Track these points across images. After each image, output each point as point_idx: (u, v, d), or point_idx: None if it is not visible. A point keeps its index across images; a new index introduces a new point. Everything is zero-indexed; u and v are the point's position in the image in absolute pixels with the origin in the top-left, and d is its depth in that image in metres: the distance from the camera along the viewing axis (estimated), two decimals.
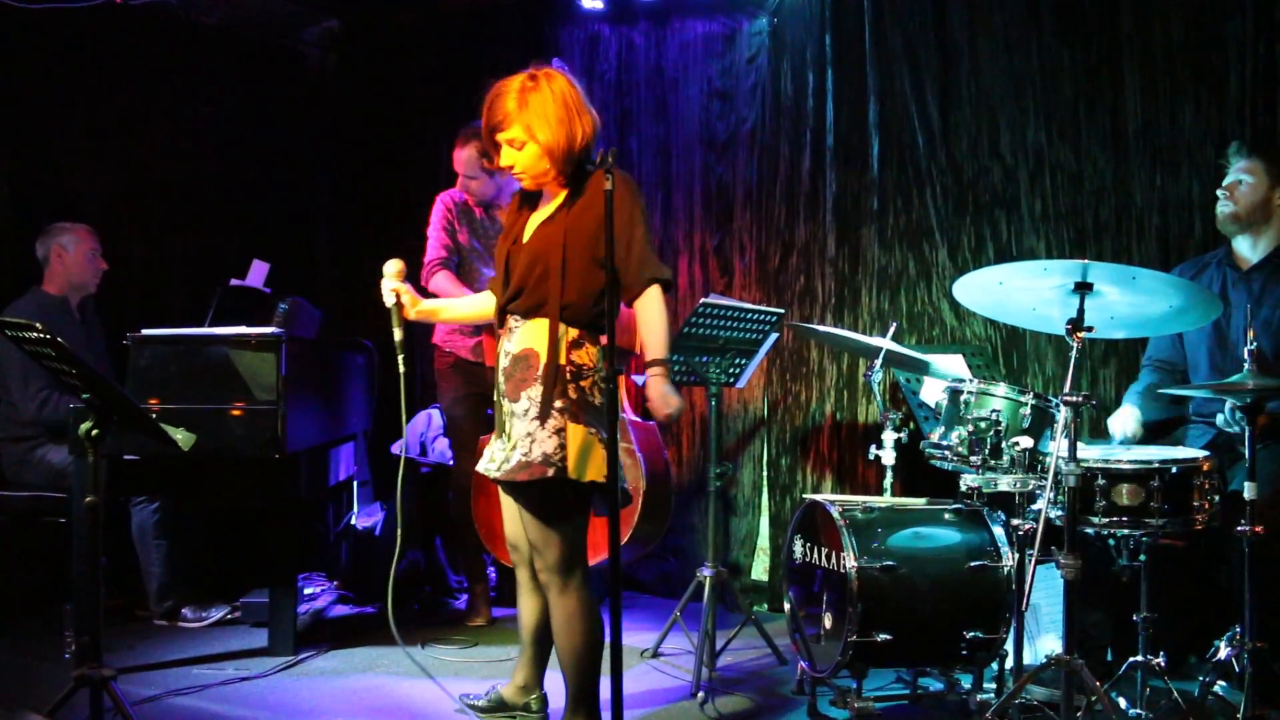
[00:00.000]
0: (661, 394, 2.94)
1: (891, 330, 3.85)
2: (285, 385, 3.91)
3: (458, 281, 4.38)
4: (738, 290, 5.02)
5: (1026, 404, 3.29)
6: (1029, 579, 2.89)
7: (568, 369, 2.90)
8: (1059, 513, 3.02)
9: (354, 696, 3.66)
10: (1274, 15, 3.98)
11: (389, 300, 3.13)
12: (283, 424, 3.89)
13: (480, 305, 3.28)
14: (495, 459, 2.99)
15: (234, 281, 4.96)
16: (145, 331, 3.98)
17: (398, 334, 3.12)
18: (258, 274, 5.00)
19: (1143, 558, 3.19)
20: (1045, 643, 3.61)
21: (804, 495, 4.31)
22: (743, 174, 5.05)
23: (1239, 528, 2.99)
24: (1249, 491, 2.99)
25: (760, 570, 5.00)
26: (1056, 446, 2.90)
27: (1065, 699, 2.86)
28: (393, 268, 3.13)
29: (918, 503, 3.53)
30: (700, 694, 3.64)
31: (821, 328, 4.33)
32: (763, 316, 4.07)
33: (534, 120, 2.91)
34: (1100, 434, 4.23)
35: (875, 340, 3.79)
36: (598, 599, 3.05)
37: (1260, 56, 4.00)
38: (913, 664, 3.52)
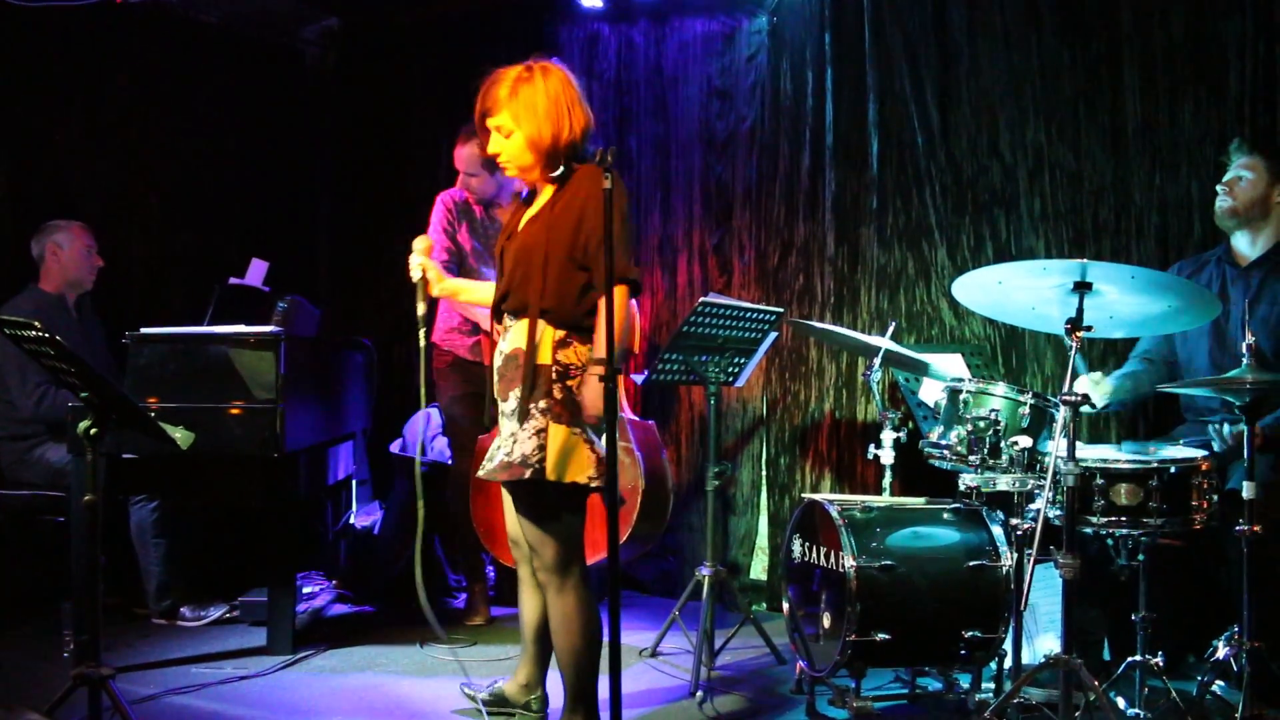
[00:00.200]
0: (598, 394, 2.82)
1: (891, 329, 3.85)
2: (284, 384, 3.91)
3: (460, 281, 4.37)
4: (737, 289, 5.02)
5: (1025, 403, 3.29)
6: (1027, 578, 2.89)
7: (553, 369, 2.91)
8: (1058, 512, 3.02)
9: (352, 695, 3.66)
10: (1274, 15, 3.98)
11: (415, 275, 3.18)
12: (281, 423, 3.89)
13: None
14: (490, 457, 3.01)
15: (233, 280, 4.96)
16: (144, 330, 3.98)
17: (420, 308, 3.19)
18: (257, 273, 5.00)
19: (1141, 557, 3.19)
20: (1044, 642, 3.61)
21: (803, 494, 4.30)
22: (742, 173, 5.05)
23: (1237, 527, 2.99)
24: (1247, 491, 2.99)
25: (759, 569, 5.00)
26: (1055, 446, 2.90)
27: (1064, 698, 2.86)
28: (421, 244, 3.21)
29: (916, 502, 3.53)
30: (699, 693, 3.64)
31: (820, 324, 4.33)
32: (762, 315, 4.07)
33: (521, 111, 2.93)
34: (1100, 435, 4.24)
35: (874, 339, 3.79)
36: (597, 598, 3.05)
37: (1260, 56, 4.00)
38: (911, 663, 3.52)
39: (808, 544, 3.50)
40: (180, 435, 3.24)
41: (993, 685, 3.41)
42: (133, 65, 5.27)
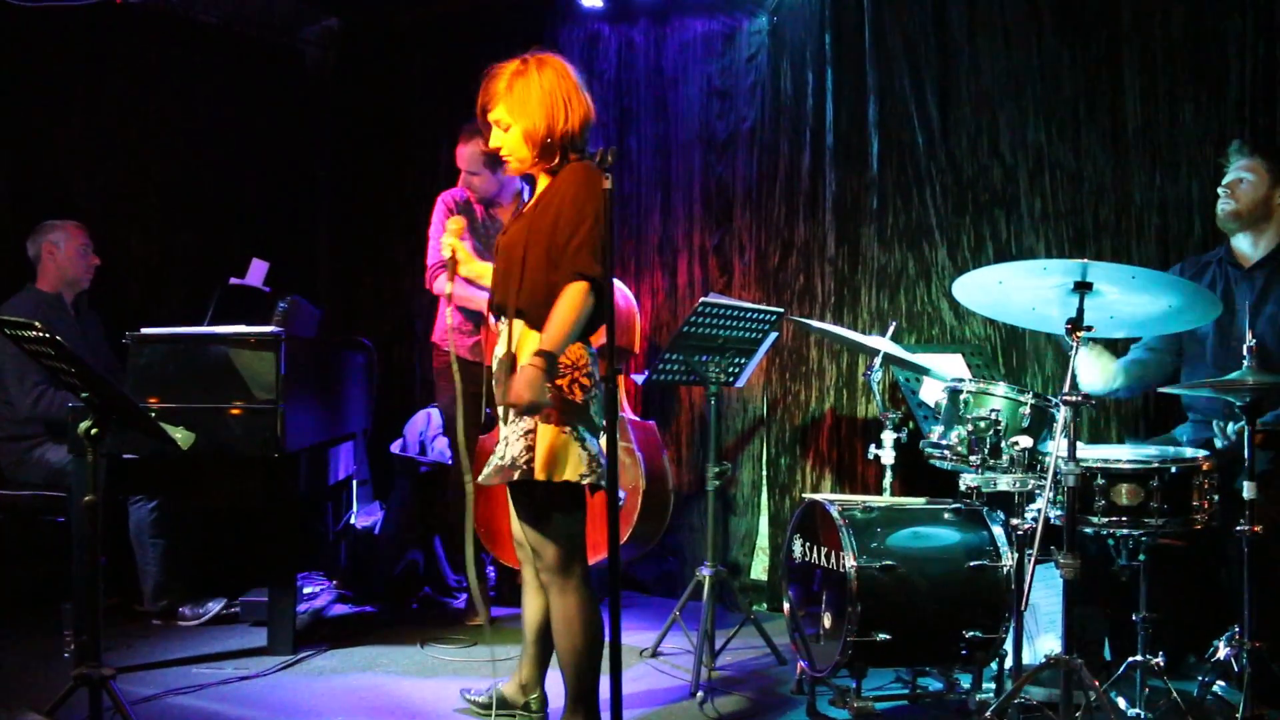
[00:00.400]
0: (526, 381, 2.78)
1: (891, 329, 3.85)
2: (284, 384, 3.90)
3: (462, 280, 4.37)
4: (737, 289, 5.02)
5: (1026, 403, 3.29)
6: (1028, 579, 2.88)
7: None
8: (1058, 512, 3.01)
9: (353, 695, 3.66)
10: (1274, 15, 3.98)
11: (445, 254, 3.26)
12: (282, 423, 3.89)
13: None
14: (489, 463, 3.01)
15: (233, 280, 4.96)
16: (145, 330, 3.98)
17: (449, 287, 3.24)
18: (257, 273, 4.99)
19: (1142, 557, 3.19)
20: (1044, 642, 3.61)
21: (803, 495, 4.30)
22: (742, 173, 5.05)
23: (1238, 527, 2.99)
24: (1248, 491, 2.99)
25: (759, 570, 5.00)
26: (1056, 446, 2.90)
27: (1064, 699, 2.86)
28: (455, 224, 3.31)
29: (917, 502, 3.52)
30: (699, 693, 3.64)
31: (820, 325, 4.33)
32: (762, 316, 4.07)
33: (516, 104, 2.95)
34: (1100, 435, 4.24)
35: (874, 340, 3.79)
36: (597, 599, 3.05)
37: (1260, 56, 4.00)
38: (912, 664, 3.52)
39: (808, 544, 3.50)
40: (181, 435, 3.24)
41: (993, 685, 3.41)
42: (133, 65, 5.27)
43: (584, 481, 2.88)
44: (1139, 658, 3.19)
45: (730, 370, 4.14)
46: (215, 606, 4.48)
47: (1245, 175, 3.64)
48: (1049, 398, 3.32)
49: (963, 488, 3.45)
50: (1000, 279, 3.06)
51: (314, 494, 4.83)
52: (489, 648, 3.93)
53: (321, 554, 5.13)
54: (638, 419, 4.63)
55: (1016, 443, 3.26)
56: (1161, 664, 3.18)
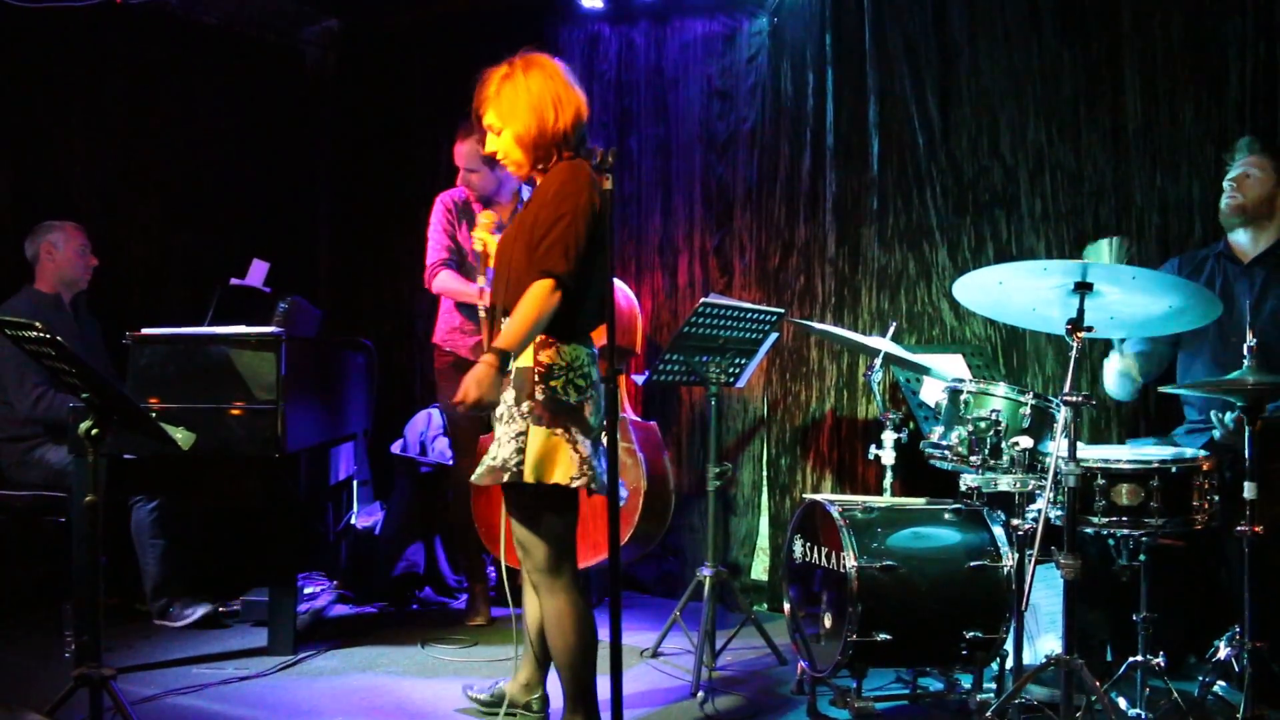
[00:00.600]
0: (475, 378, 2.78)
1: (891, 330, 3.85)
2: (285, 385, 3.90)
3: (462, 279, 4.39)
4: (738, 290, 5.02)
5: (1026, 404, 3.29)
6: (1029, 579, 2.88)
7: (535, 370, 2.90)
8: (1059, 513, 3.01)
9: (353, 696, 3.66)
10: (1274, 15, 3.98)
11: (478, 247, 3.48)
12: (282, 423, 3.89)
13: None
14: (482, 461, 3.02)
15: (234, 281, 4.96)
16: (145, 331, 3.98)
17: (480, 280, 3.40)
18: (257, 273, 5.00)
19: (1142, 558, 3.19)
20: (1045, 643, 3.61)
21: (804, 495, 4.30)
22: (743, 173, 5.05)
23: (1239, 527, 2.99)
24: (1249, 491, 2.99)
25: (760, 570, 5.00)
26: (1056, 446, 2.90)
27: (1065, 699, 2.86)
28: (487, 219, 3.49)
29: (917, 503, 3.53)
30: (700, 694, 3.64)
31: (821, 325, 4.33)
32: (762, 316, 4.07)
33: (505, 109, 2.97)
34: (1100, 436, 4.24)
35: (875, 340, 3.79)
36: (597, 599, 3.05)
37: (1260, 56, 3.99)
38: (912, 664, 3.52)
39: (809, 544, 3.50)
40: (181, 436, 3.23)
41: (994, 686, 3.41)
42: (133, 66, 5.27)
43: (574, 484, 2.87)
44: (1140, 658, 3.19)
45: (731, 371, 4.14)
46: (201, 610, 4.45)
47: (1253, 171, 3.65)
48: (1049, 398, 3.32)
49: (963, 488, 3.46)
50: (1001, 280, 3.07)
51: (314, 494, 4.83)
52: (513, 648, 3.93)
53: (322, 554, 5.14)
54: (639, 419, 4.63)
55: (1017, 443, 3.26)
56: (1162, 664, 3.18)
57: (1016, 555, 3.29)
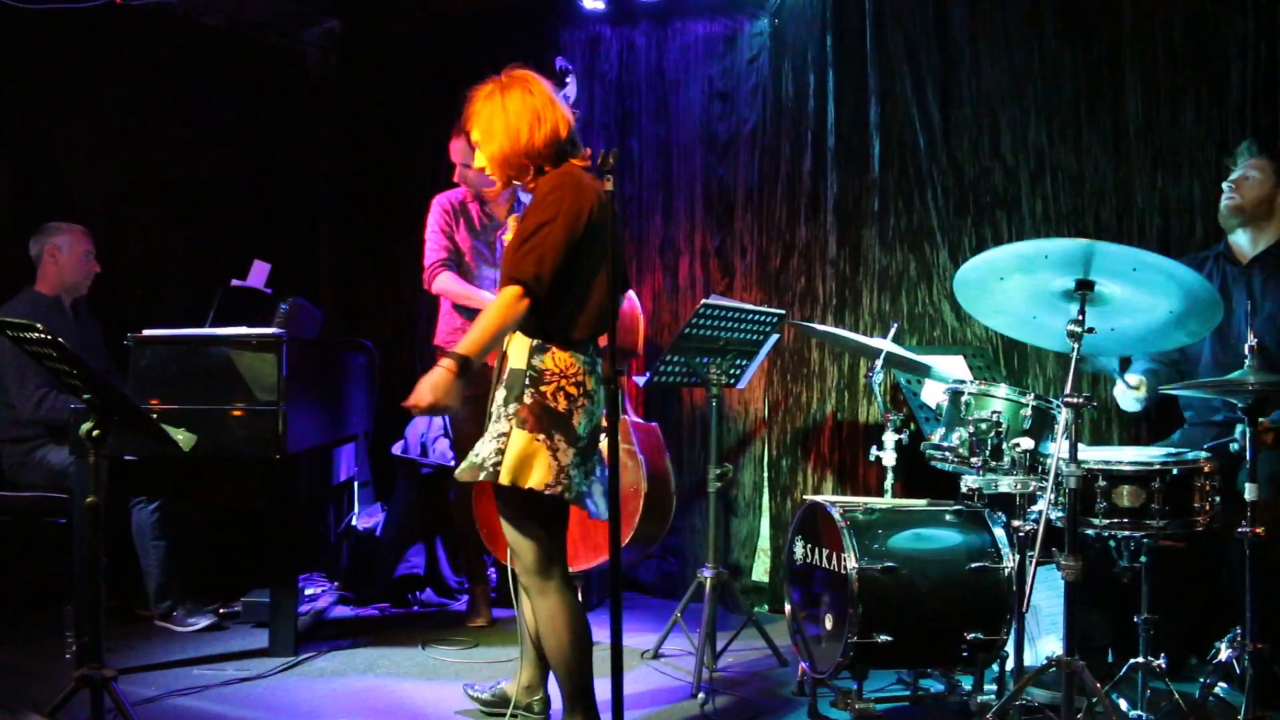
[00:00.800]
0: (430, 382, 2.79)
1: (892, 331, 3.85)
2: (286, 386, 3.91)
3: (462, 281, 4.38)
4: (738, 291, 5.02)
5: (1027, 405, 3.29)
6: (1030, 580, 2.88)
7: (526, 374, 2.92)
8: (1060, 514, 3.01)
9: (354, 697, 3.66)
10: (1274, 15, 3.98)
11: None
12: (283, 424, 3.89)
13: None
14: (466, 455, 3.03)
15: (235, 282, 4.96)
16: (146, 332, 3.98)
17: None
18: (258, 274, 5.00)
19: (1143, 559, 3.19)
20: (1046, 644, 3.61)
21: (805, 496, 4.30)
22: (744, 175, 5.05)
23: (1240, 529, 2.99)
24: (1249, 492, 2.98)
25: (761, 571, 5.00)
26: (1057, 448, 2.89)
27: (1066, 700, 2.86)
28: (515, 223, 3.40)
29: (918, 504, 3.52)
30: (701, 695, 3.64)
31: (822, 326, 4.33)
32: (763, 317, 4.07)
33: (483, 128, 3.02)
34: (1101, 437, 4.24)
35: (876, 341, 3.79)
36: (598, 600, 3.05)
37: (1261, 57, 4.00)
38: (913, 665, 3.52)
39: (810, 545, 3.50)
40: (182, 437, 3.23)
41: (995, 687, 3.41)
42: (134, 67, 5.27)
43: (547, 492, 2.86)
44: (1141, 659, 3.18)
45: (732, 372, 4.14)
46: (204, 620, 4.45)
47: (1252, 173, 3.66)
48: (1050, 399, 3.32)
49: (964, 489, 3.45)
50: (1001, 276, 3.00)
51: (315, 495, 4.83)
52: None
53: (323, 555, 5.14)
54: (640, 420, 4.63)
55: (1018, 444, 3.25)
56: (1163, 666, 3.18)
57: (1017, 557, 3.29)
